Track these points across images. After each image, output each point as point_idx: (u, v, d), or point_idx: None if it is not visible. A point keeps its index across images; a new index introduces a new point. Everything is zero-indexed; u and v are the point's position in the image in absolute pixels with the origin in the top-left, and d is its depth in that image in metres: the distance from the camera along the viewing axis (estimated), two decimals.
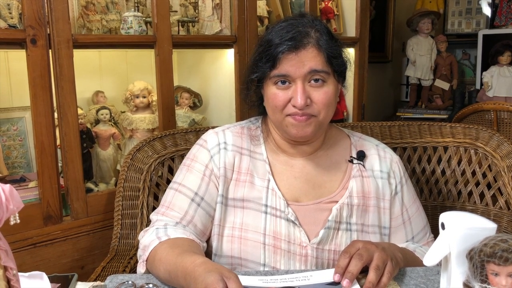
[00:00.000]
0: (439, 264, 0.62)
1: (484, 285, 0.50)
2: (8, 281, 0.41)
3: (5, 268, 0.41)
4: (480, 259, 0.49)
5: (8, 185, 0.41)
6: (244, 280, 0.80)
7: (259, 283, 0.81)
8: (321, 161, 1.04)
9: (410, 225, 1.06)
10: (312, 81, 0.93)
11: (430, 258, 0.55)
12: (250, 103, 1.08)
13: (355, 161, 1.05)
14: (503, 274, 0.48)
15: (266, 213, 0.97)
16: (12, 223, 0.41)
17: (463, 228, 0.53)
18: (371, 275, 0.78)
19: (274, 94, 0.95)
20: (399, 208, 1.05)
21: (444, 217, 0.56)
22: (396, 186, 1.06)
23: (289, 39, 0.92)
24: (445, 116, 2.90)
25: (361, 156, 1.05)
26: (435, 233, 1.16)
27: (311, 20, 0.97)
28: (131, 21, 1.48)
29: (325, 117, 0.96)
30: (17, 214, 0.42)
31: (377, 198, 1.02)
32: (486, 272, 0.49)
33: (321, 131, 1.01)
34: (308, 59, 0.92)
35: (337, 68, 0.96)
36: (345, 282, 0.78)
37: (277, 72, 0.94)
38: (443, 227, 0.56)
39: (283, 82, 0.94)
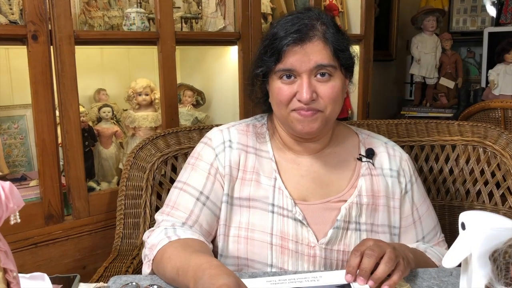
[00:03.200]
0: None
1: None
2: (8, 283, 0.39)
3: (5, 270, 0.39)
4: (505, 261, 0.47)
5: (8, 183, 0.39)
6: (252, 283, 0.78)
7: (267, 284, 0.79)
8: (328, 159, 1.02)
9: (421, 224, 1.04)
10: (318, 75, 0.91)
11: (449, 259, 0.53)
12: (255, 99, 1.05)
13: (364, 159, 1.02)
14: None
15: (273, 212, 0.95)
16: (12, 222, 0.39)
17: (486, 229, 0.51)
18: (381, 268, 0.76)
19: (279, 88, 0.93)
20: (409, 207, 1.03)
21: (465, 217, 0.54)
22: (406, 185, 1.03)
23: (294, 32, 0.91)
24: (450, 115, 2.87)
25: (370, 154, 1.03)
26: (444, 233, 1.14)
27: (317, 13, 0.95)
28: (133, 17, 1.46)
29: (331, 112, 0.94)
30: (17, 213, 0.39)
31: (387, 197, 1.00)
32: (510, 274, 0.47)
33: (328, 127, 0.99)
34: (314, 52, 0.90)
35: (344, 62, 0.94)
36: (360, 280, 0.76)
37: (282, 66, 0.92)
38: (463, 227, 0.53)
39: (288, 77, 0.92)
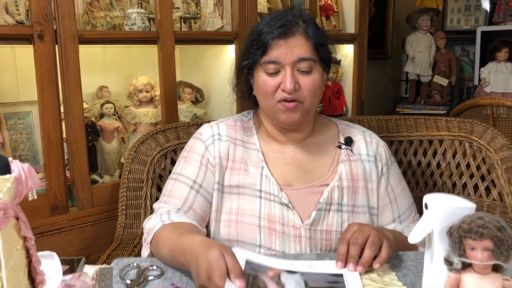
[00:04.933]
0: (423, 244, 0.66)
1: (462, 259, 0.54)
2: (27, 250, 0.46)
3: (25, 238, 0.45)
4: (459, 235, 0.53)
5: (27, 164, 0.45)
6: (251, 255, 0.83)
7: (266, 261, 0.83)
8: (311, 148, 1.10)
9: (396, 204, 1.11)
10: (300, 69, 0.99)
11: (414, 235, 0.59)
12: (239, 93, 1.13)
13: (343, 146, 1.10)
14: (479, 248, 0.52)
15: (260, 197, 1.02)
16: (30, 198, 0.46)
17: (445, 208, 0.57)
18: (366, 253, 0.82)
19: (263, 81, 1.01)
20: (385, 187, 1.10)
21: (428, 198, 0.60)
22: (382, 168, 1.11)
23: (279, 27, 0.99)
24: (443, 112, 2.93)
25: (349, 141, 1.11)
26: None
27: (299, 12, 1.04)
28: (134, 17, 1.52)
29: (310, 104, 1.02)
30: (34, 191, 0.46)
31: (365, 180, 1.08)
32: (464, 247, 0.54)
33: (308, 118, 1.06)
34: (297, 46, 0.98)
35: (324, 56, 1.02)
36: (350, 266, 0.82)
37: (267, 58, 0.99)
38: (426, 207, 0.60)
39: (273, 69, 0.99)
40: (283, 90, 0.99)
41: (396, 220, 1.11)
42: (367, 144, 1.12)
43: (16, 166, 0.45)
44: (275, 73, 1.00)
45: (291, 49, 0.98)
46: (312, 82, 1.00)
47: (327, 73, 1.09)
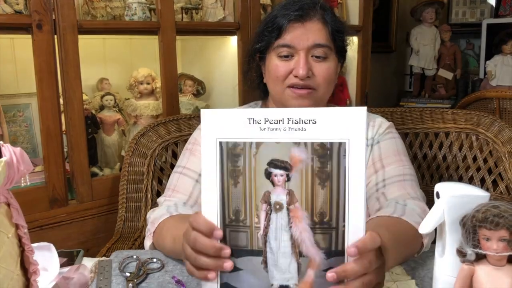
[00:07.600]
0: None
1: (476, 249, 0.51)
2: (19, 238, 0.43)
3: (17, 226, 0.43)
4: (472, 225, 0.51)
5: (18, 148, 0.43)
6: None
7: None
8: None
9: (383, 169, 0.97)
10: (315, 56, 0.96)
11: (425, 225, 0.57)
12: (249, 81, 1.10)
13: None
14: (494, 238, 0.50)
15: None
16: (23, 184, 0.43)
17: (457, 197, 0.55)
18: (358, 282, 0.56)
19: (275, 65, 0.98)
20: (375, 155, 1.00)
21: (439, 187, 0.58)
22: (377, 136, 1.02)
23: (296, 10, 0.96)
24: (448, 106, 2.89)
25: None
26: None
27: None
28: (135, 7, 1.50)
29: (324, 92, 0.99)
30: (27, 176, 0.44)
31: None
32: (478, 237, 0.51)
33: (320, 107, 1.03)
34: (313, 31, 0.95)
35: (340, 44, 0.99)
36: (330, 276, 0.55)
37: (281, 42, 0.96)
38: (438, 196, 0.58)
39: (286, 55, 0.96)
40: (296, 76, 0.95)
41: (380, 183, 0.96)
42: (368, 128, 1.04)
43: (7, 150, 0.42)
44: (288, 57, 0.96)
45: (307, 34, 0.95)
46: (326, 69, 0.97)
47: (342, 65, 1.04)
